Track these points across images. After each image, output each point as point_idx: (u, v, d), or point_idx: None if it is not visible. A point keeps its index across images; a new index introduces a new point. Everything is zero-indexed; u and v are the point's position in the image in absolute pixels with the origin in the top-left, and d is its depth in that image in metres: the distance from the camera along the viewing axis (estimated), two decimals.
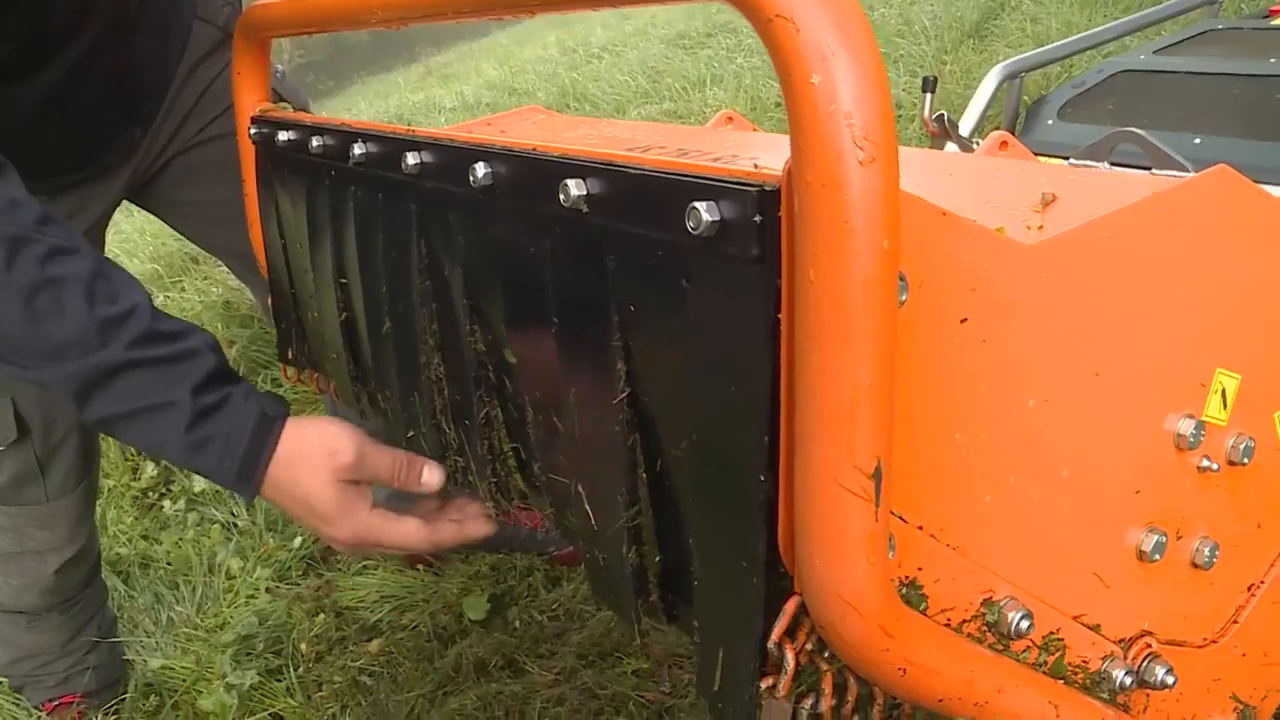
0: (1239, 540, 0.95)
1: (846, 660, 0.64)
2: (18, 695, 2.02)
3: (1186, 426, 0.87)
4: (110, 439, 2.68)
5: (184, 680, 2.06)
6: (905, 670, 0.63)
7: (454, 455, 1.08)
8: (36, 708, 1.99)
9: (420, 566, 2.26)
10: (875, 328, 0.56)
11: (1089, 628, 0.85)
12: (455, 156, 0.90)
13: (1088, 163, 1.57)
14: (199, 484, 2.77)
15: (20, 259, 1.04)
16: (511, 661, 1.98)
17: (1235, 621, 0.98)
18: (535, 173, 0.79)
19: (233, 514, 2.65)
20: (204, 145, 1.75)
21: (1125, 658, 0.88)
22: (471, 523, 1.15)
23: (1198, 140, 1.74)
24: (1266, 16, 2.38)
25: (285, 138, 1.30)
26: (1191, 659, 0.94)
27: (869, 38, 0.54)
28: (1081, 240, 0.76)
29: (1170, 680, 0.88)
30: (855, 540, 0.58)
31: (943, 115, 1.45)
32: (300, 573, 2.44)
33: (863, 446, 0.57)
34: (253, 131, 1.43)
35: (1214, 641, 0.97)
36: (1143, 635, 0.90)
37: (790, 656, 0.65)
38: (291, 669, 2.03)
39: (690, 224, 0.62)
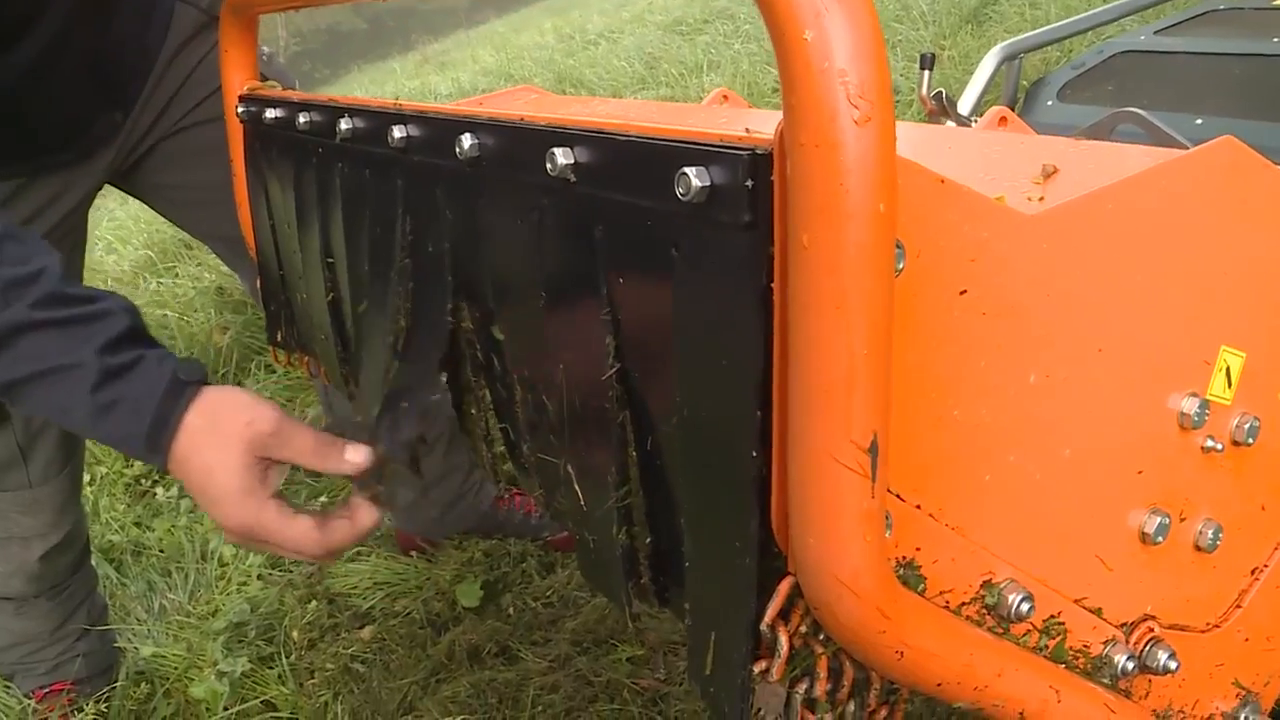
0: (1243, 522, 0.93)
1: (842, 643, 0.62)
2: (8, 683, 2.00)
3: (1190, 405, 0.84)
4: None
5: (175, 668, 2.04)
6: (902, 653, 0.61)
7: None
8: (27, 695, 1.97)
9: (414, 553, 2.24)
10: (871, 295, 0.53)
11: (1091, 611, 0.83)
12: (442, 129, 0.88)
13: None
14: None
15: None
16: (505, 648, 1.97)
17: (1239, 606, 0.96)
18: (522, 143, 0.77)
19: None
20: (190, 130, 1.73)
21: (1127, 642, 0.86)
22: (361, 513, 1.04)
23: (1199, 121, 1.71)
24: None
25: (273, 115, 1.28)
26: (1194, 644, 0.92)
27: None
28: (1084, 211, 0.74)
29: (1173, 665, 0.86)
30: (851, 518, 0.56)
31: (941, 93, 1.42)
32: (293, 560, 2.42)
33: (858, 420, 0.55)
34: (240, 110, 1.41)
35: (1217, 626, 0.95)
36: (1145, 619, 0.88)
37: (784, 639, 0.63)
38: (283, 656, 2.02)
39: (680, 190, 0.60)
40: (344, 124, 1.06)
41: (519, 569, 2.19)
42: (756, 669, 0.65)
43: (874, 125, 0.52)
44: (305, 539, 1.00)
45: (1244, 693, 1.00)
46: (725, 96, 1.47)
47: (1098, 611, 0.83)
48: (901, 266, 0.60)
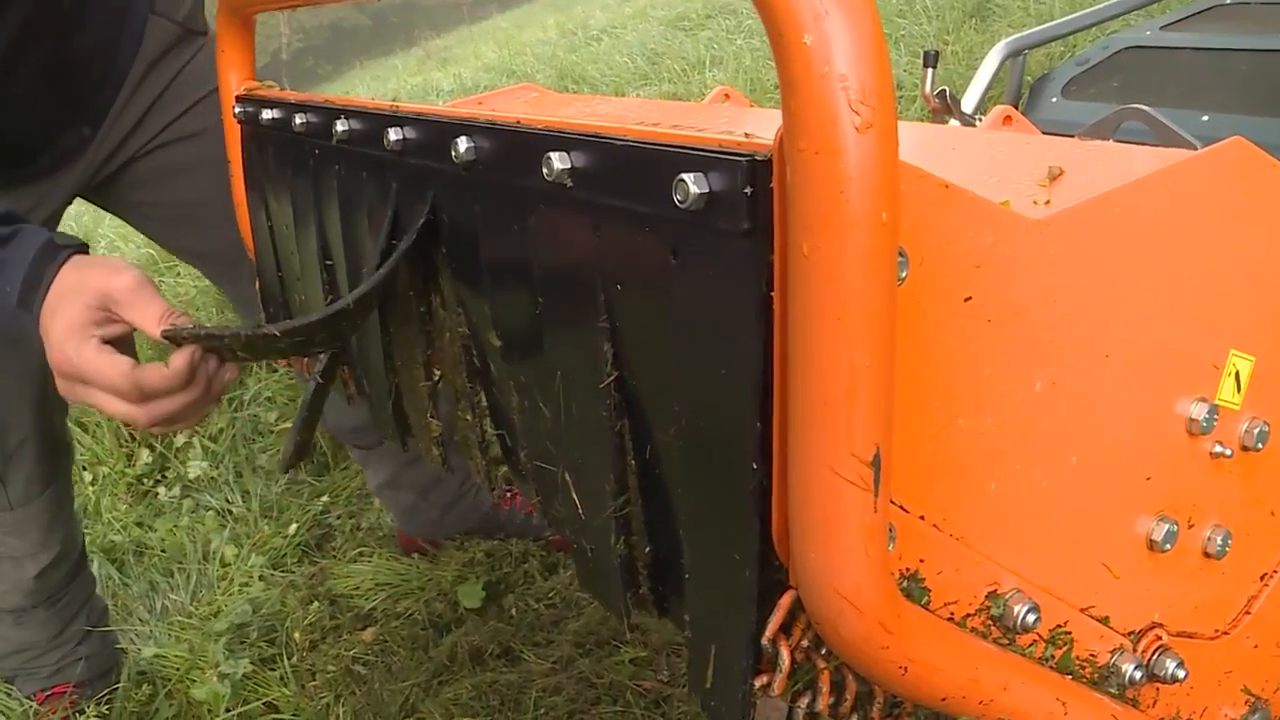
0: (1252, 528, 0.92)
1: (844, 658, 0.60)
2: (9, 686, 1.99)
3: (1199, 411, 0.83)
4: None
5: (177, 669, 2.04)
6: (906, 668, 0.60)
7: (441, 439, 1.04)
8: (28, 698, 1.97)
9: (415, 555, 2.23)
10: (873, 305, 0.52)
11: (1097, 620, 0.81)
12: (437, 131, 0.86)
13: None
14: (194, 470, 2.74)
15: None
16: (507, 650, 1.96)
17: (1248, 612, 0.95)
18: (518, 146, 0.75)
19: (228, 500, 2.62)
20: (167, 147, 1.69)
21: (1135, 650, 0.85)
22: (176, 358, 1.01)
23: (1205, 118, 1.70)
24: None
25: (270, 116, 1.27)
26: (1203, 651, 0.91)
27: None
28: (1091, 214, 0.73)
29: (1181, 674, 0.85)
30: (853, 532, 0.55)
31: (944, 91, 1.41)
32: (295, 560, 2.41)
33: (861, 432, 0.53)
34: (237, 110, 1.39)
35: (1226, 633, 0.94)
36: (1153, 627, 0.87)
37: (785, 654, 0.62)
38: (285, 658, 2.01)
39: (678, 197, 0.58)
40: (340, 125, 1.04)
41: (521, 570, 2.17)
42: (758, 683, 0.64)
43: (876, 131, 0.51)
44: (115, 371, 0.99)
45: (1253, 700, 0.99)
46: (727, 95, 1.46)
47: (1105, 620, 0.82)
48: (904, 275, 0.58)
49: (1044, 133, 1.44)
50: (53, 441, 1.77)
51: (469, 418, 0.99)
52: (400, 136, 0.93)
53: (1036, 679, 0.72)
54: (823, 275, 0.52)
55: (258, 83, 1.44)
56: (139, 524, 2.66)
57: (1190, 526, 0.86)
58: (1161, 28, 2.05)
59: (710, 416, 0.62)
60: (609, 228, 0.69)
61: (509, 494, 2.22)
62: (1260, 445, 0.88)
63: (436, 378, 1.00)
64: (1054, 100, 1.91)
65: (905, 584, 0.65)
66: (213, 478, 2.73)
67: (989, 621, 0.72)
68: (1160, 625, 0.87)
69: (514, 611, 2.04)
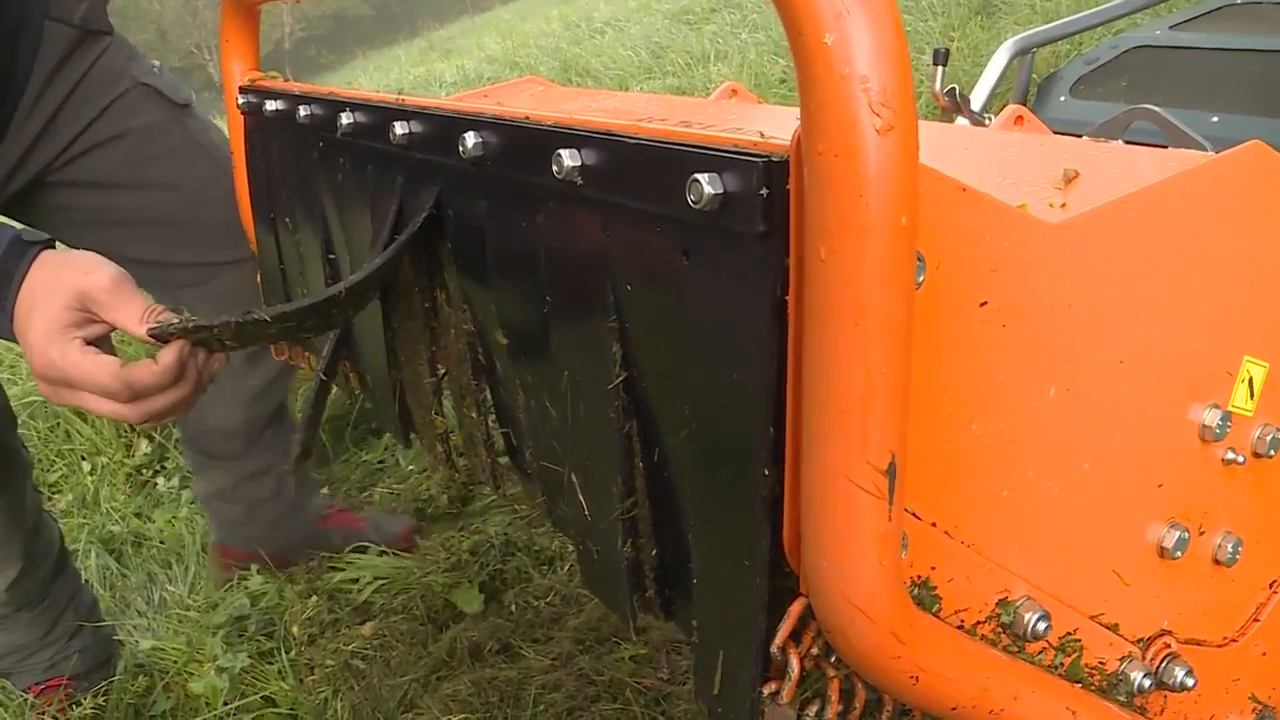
0: (1262, 535, 0.91)
1: (855, 667, 0.59)
2: (6, 680, 1.98)
3: (1212, 417, 0.82)
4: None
5: (175, 662, 2.03)
6: (918, 678, 0.59)
7: (444, 436, 1.03)
8: (24, 691, 1.96)
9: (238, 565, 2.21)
10: (891, 311, 0.51)
11: (1107, 627, 0.80)
12: (444, 126, 0.85)
13: (1101, 140, 1.52)
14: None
15: None
16: (507, 646, 1.95)
17: (1256, 619, 0.94)
18: (527, 143, 0.74)
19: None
20: (87, 155, 1.65)
21: (1144, 658, 0.84)
22: (165, 354, 0.97)
23: (1215, 119, 1.68)
24: None
25: (273, 108, 1.26)
26: (1211, 658, 0.90)
27: None
28: (1108, 218, 0.72)
29: (1190, 682, 0.84)
30: (866, 541, 0.54)
31: (954, 89, 1.40)
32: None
33: (876, 440, 0.52)
34: (241, 101, 1.38)
35: (1234, 640, 0.93)
36: (1161, 635, 0.86)
37: (795, 662, 0.61)
38: (283, 652, 2.00)
39: (691, 197, 0.57)
40: (345, 118, 1.03)
41: (513, 566, 2.16)
42: (766, 690, 0.63)
43: (896, 134, 0.50)
44: (104, 372, 0.95)
45: (1260, 707, 0.98)
46: (734, 91, 1.45)
47: (1114, 627, 0.81)
48: (921, 279, 0.57)
49: (1052, 131, 1.43)
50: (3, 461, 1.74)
51: (474, 415, 0.98)
52: (406, 131, 0.91)
53: (1046, 688, 0.71)
54: (840, 279, 0.51)
55: (261, 73, 1.43)
56: (137, 514, 2.65)
57: (1201, 533, 0.86)
58: (1171, 27, 2.03)
59: (722, 420, 0.61)
60: (619, 226, 0.68)
61: (331, 511, 2.22)
62: (1273, 452, 0.88)
63: (441, 374, 0.99)
64: (1062, 99, 1.90)
65: (916, 591, 0.65)
66: None
67: (999, 629, 0.71)
68: (1169, 633, 0.86)
69: (513, 608, 2.03)
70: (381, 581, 2.13)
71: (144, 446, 2.86)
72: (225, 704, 1.93)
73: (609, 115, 0.71)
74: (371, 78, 9.01)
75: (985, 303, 0.64)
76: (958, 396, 0.65)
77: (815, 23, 0.48)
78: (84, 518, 2.67)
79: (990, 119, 1.49)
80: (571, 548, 2.25)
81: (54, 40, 1.59)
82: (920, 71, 4.05)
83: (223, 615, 2.10)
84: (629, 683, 1.81)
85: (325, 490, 2.54)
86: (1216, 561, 0.88)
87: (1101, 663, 0.80)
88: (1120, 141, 1.53)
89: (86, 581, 2.33)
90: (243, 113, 1.41)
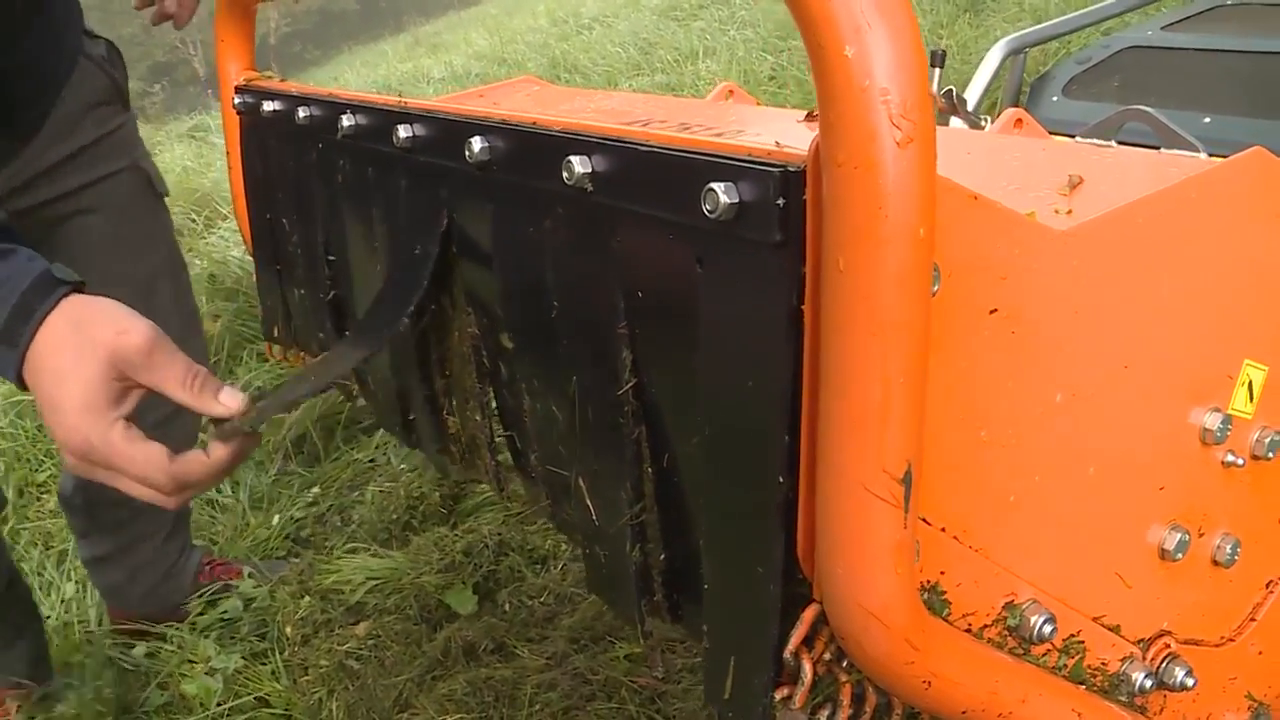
0: (1260, 536, 0.92)
1: (868, 673, 0.60)
2: None
3: (1213, 420, 0.83)
4: None
5: (167, 664, 2.02)
6: (930, 683, 0.60)
7: (448, 440, 1.03)
8: None
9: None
10: (908, 321, 0.51)
11: (1109, 629, 0.81)
12: (450, 130, 0.85)
13: (1095, 141, 1.52)
14: None
15: None
16: (501, 646, 1.95)
17: (1253, 619, 0.95)
18: (536, 148, 0.74)
19: (217, 490, 2.60)
20: (68, 207, 1.68)
21: (1144, 659, 0.85)
22: (219, 451, 0.91)
23: (1207, 119, 1.70)
24: None
25: (271, 108, 1.25)
26: (1209, 658, 0.91)
27: (907, 7, 0.49)
28: (1115, 225, 0.72)
29: (1190, 682, 0.85)
30: (882, 549, 0.54)
31: (951, 91, 1.40)
32: (283, 553, 2.40)
33: (892, 449, 0.53)
34: (237, 101, 1.38)
35: (1231, 640, 0.94)
36: (1161, 635, 0.87)
37: (808, 667, 0.61)
38: (277, 652, 2.00)
39: (706, 206, 0.58)
40: (346, 120, 1.03)
41: (505, 565, 2.16)
42: (778, 695, 0.63)
43: (916, 147, 0.50)
44: (152, 465, 0.88)
45: (1256, 705, 0.99)
46: (730, 91, 1.45)
47: (1116, 629, 0.82)
48: (936, 289, 0.58)
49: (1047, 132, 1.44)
50: None
51: (478, 418, 0.98)
52: (410, 134, 0.91)
53: (1052, 690, 0.71)
54: (858, 290, 0.51)
55: (256, 73, 1.42)
56: None
57: (1200, 535, 0.86)
58: (1163, 28, 2.05)
59: (736, 427, 0.61)
60: (630, 233, 0.68)
61: (210, 565, 2.20)
62: (1271, 454, 0.88)
63: (446, 377, 0.99)
64: (1055, 99, 1.91)
65: (926, 596, 0.65)
66: None
67: (1005, 632, 0.72)
68: (1169, 633, 0.87)
69: (507, 607, 2.03)
70: (375, 582, 2.13)
71: None
72: (219, 705, 1.92)
73: (612, 118, 0.71)
74: (358, 74, 8.97)
75: (995, 310, 0.65)
76: (967, 403, 0.66)
77: (835, 35, 0.49)
78: None
79: (985, 120, 1.50)
80: (566, 547, 2.25)
81: (89, 79, 1.66)
82: None
83: (214, 617, 2.10)
84: (624, 681, 1.81)
85: (315, 489, 2.54)
86: (1215, 563, 0.89)
87: (1104, 664, 0.81)
88: (1114, 143, 1.54)
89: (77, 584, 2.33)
90: (239, 113, 1.41)
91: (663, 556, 0.77)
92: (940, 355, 0.62)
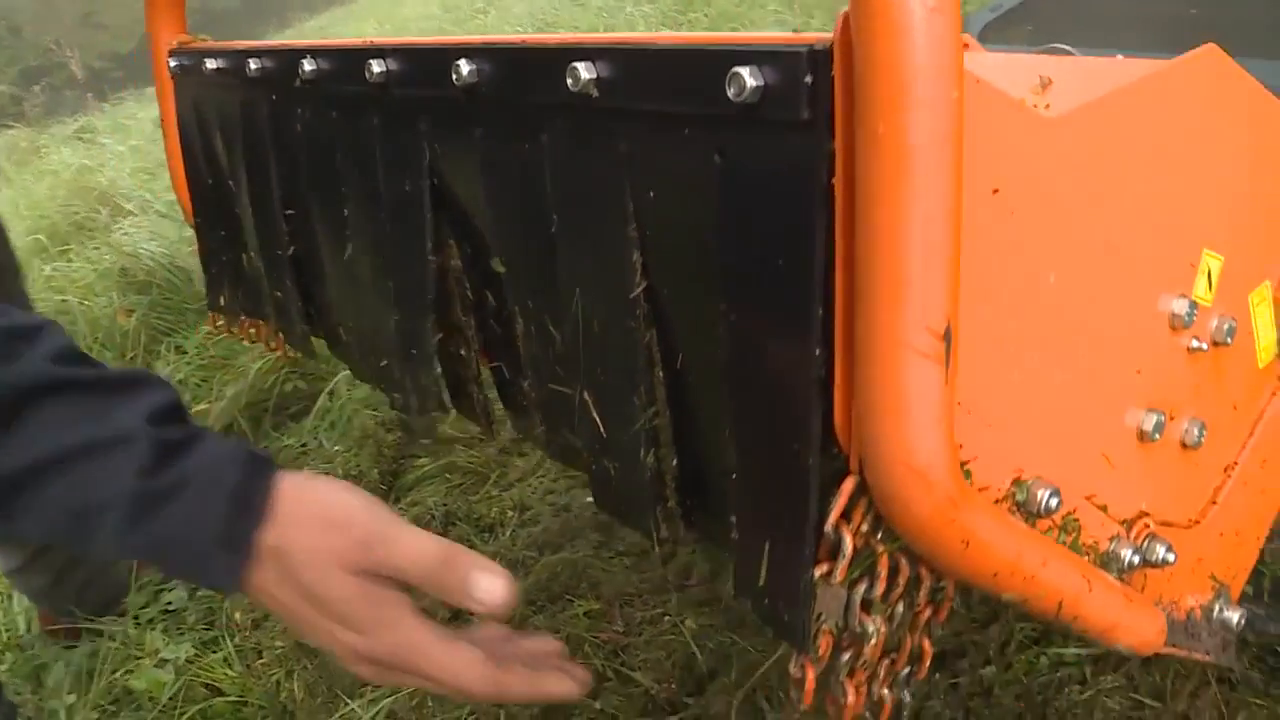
0: (1219, 421, 0.97)
1: (909, 535, 0.62)
2: None
3: (1181, 306, 0.87)
4: None
5: (110, 661, 1.96)
6: (968, 543, 0.62)
7: (432, 382, 1.03)
8: None
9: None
10: (946, 182, 0.54)
11: (1099, 508, 0.85)
12: (432, 58, 0.85)
13: (1055, 46, 1.57)
14: None
15: None
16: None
17: (1214, 502, 1.01)
18: (533, 62, 0.75)
19: None
20: None
21: (1128, 538, 0.89)
22: (550, 679, 0.79)
23: (1120, 57, 1.76)
24: None
25: (215, 66, 1.23)
26: (1180, 539, 0.96)
27: None
28: (1091, 116, 0.76)
29: (1171, 557, 0.89)
30: (927, 406, 0.56)
31: None
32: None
33: (934, 306, 0.55)
34: (174, 64, 1.35)
35: (1197, 522, 0.99)
36: (1141, 516, 0.91)
37: (848, 539, 0.63)
38: (228, 639, 1.95)
39: (731, 91, 0.59)
40: (308, 65, 1.02)
41: (451, 534, 2.15)
42: (818, 572, 0.65)
43: (944, 11, 0.52)
44: (472, 674, 0.74)
45: (1219, 586, 1.04)
46: None
47: (1104, 509, 0.86)
48: None
49: None
50: None
51: (463, 353, 0.98)
52: (384, 69, 0.91)
53: (1064, 558, 0.75)
54: (899, 154, 0.53)
55: (190, 36, 1.39)
56: None
57: (1171, 419, 0.91)
58: None
59: (767, 310, 0.63)
60: (640, 136, 0.69)
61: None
62: (1230, 340, 0.93)
63: (434, 318, 0.99)
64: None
65: None
66: None
67: (1014, 507, 0.75)
68: (1147, 514, 0.92)
69: None
70: None
71: None
72: (170, 698, 1.88)
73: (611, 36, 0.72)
74: None
75: (997, 190, 0.67)
76: (973, 282, 0.68)
77: None
78: None
79: None
80: (514, 513, 2.25)
81: None
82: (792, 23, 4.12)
83: (158, 609, 2.04)
84: (586, 638, 1.82)
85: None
86: (1184, 445, 0.93)
87: (1095, 542, 0.85)
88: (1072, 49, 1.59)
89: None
90: (173, 77, 1.37)
91: (675, 462, 0.78)
92: None
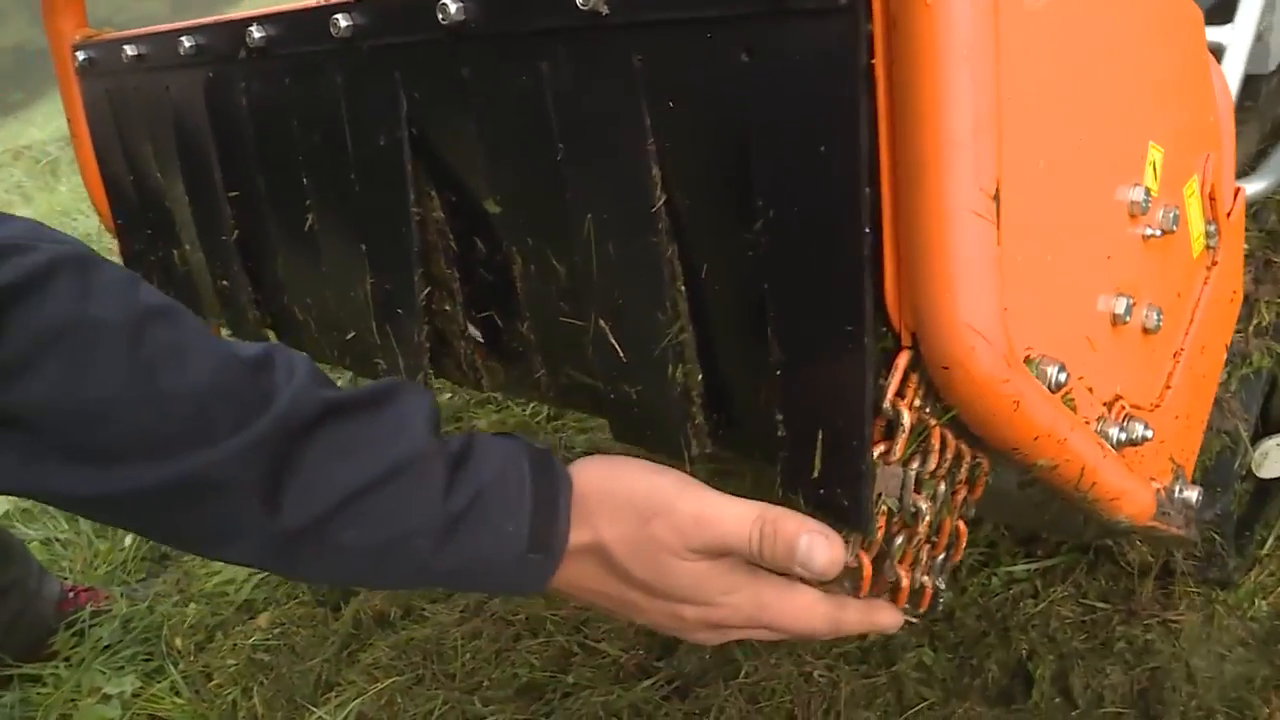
0: (1170, 307, 1.03)
1: (966, 399, 0.65)
2: None
3: (1138, 194, 0.93)
4: None
5: (49, 706, 1.86)
6: (1019, 403, 0.65)
7: (414, 344, 1.01)
8: None
9: None
10: (989, 44, 0.56)
11: (1087, 389, 0.90)
12: (411, 3, 0.84)
13: None
14: (2, 506, 2.50)
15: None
16: (409, 610, 1.91)
17: (1169, 386, 1.07)
18: None
19: (50, 528, 2.41)
20: None
21: (1110, 418, 0.94)
22: (883, 611, 0.77)
23: None
24: None
25: (135, 52, 1.18)
26: (1146, 421, 1.02)
27: None
28: (1063, 10, 0.80)
29: (1149, 434, 0.95)
30: (984, 265, 0.59)
31: None
32: (143, 575, 2.25)
33: (985, 166, 0.58)
34: (81, 58, 1.29)
35: (1158, 406, 1.05)
36: (1117, 399, 0.96)
37: (906, 413, 0.65)
38: (172, 666, 1.88)
39: None
40: (256, 33, 0.99)
41: None
42: (875, 453, 0.67)
43: None
44: (814, 617, 0.74)
45: (1177, 468, 1.11)
46: None
47: (1090, 390, 0.90)
48: None
49: None
50: None
51: (448, 308, 0.97)
52: (351, 23, 0.89)
53: (1084, 428, 0.79)
54: (949, 21, 0.55)
55: (95, 30, 1.33)
56: None
57: (1133, 304, 0.96)
58: None
59: (811, 198, 0.64)
60: (655, 46, 0.70)
61: (74, 592, 2.09)
62: (1175, 228, 0.99)
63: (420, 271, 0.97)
64: None
65: None
66: (26, 509, 2.50)
67: None
68: (1122, 397, 0.97)
69: None
70: (261, 575, 2.03)
71: None
72: None
73: None
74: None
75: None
76: None
77: None
78: None
79: None
80: None
81: None
82: None
83: (92, 646, 1.95)
84: (547, 616, 1.82)
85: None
86: (1146, 330, 0.99)
87: (1087, 421, 0.90)
88: None
89: None
90: (81, 73, 1.32)
91: (699, 377, 0.80)
92: None
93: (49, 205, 5.72)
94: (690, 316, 0.77)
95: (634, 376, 0.81)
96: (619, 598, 0.74)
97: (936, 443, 0.69)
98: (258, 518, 0.64)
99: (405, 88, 0.89)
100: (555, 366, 0.91)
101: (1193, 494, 1.08)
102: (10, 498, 2.47)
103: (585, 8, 0.70)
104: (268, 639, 1.87)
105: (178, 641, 1.93)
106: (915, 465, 0.69)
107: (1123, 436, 0.92)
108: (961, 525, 0.78)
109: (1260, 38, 1.57)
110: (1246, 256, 1.35)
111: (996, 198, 0.59)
